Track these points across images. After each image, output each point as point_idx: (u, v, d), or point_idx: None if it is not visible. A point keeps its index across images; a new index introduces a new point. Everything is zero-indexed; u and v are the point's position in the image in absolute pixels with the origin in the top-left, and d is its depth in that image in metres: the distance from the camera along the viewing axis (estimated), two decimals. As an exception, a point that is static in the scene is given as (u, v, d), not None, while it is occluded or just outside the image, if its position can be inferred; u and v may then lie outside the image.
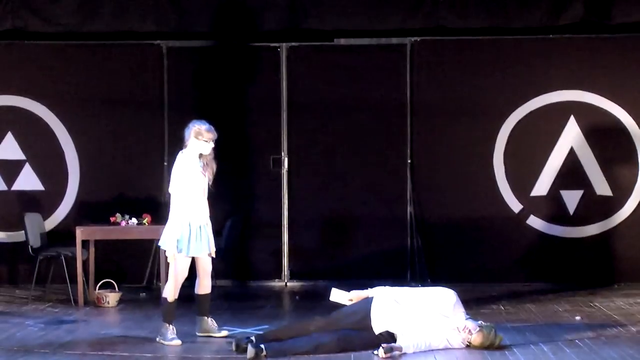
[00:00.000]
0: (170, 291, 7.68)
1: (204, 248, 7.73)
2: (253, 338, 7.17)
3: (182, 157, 7.74)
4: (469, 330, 7.17)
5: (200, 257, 7.76)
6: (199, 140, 7.70)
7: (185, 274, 7.72)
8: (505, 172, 10.85)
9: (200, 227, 7.72)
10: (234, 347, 7.17)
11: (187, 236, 7.65)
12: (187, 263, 7.72)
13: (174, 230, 7.65)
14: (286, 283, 10.99)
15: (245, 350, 6.99)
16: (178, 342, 7.58)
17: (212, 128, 7.75)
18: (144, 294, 10.21)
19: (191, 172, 7.70)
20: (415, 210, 10.90)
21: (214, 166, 7.81)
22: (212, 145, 7.74)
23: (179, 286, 7.73)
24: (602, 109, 10.77)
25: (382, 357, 6.92)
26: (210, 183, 7.82)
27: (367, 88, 10.92)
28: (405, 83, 10.91)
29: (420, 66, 10.89)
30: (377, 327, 7.16)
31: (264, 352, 7.00)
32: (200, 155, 7.76)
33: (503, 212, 10.81)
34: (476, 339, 7.16)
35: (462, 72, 10.87)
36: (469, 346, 7.20)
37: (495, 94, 10.84)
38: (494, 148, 10.85)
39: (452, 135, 10.87)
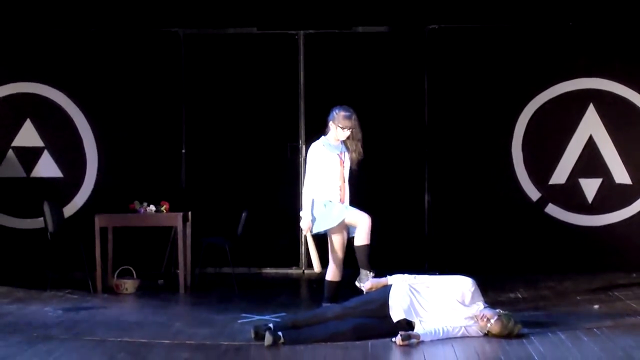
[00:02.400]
0: (329, 270, 7.84)
1: (333, 220, 7.75)
2: (271, 325, 7.19)
3: (317, 141, 7.95)
4: (487, 319, 7.16)
5: (348, 215, 7.79)
6: (335, 125, 7.88)
7: (337, 253, 7.78)
8: (524, 160, 10.82)
9: (325, 203, 7.82)
10: (252, 335, 7.19)
11: (311, 214, 7.82)
12: (336, 240, 7.79)
13: (304, 211, 7.83)
14: (304, 271, 11.01)
15: (263, 338, 7.02)
16: None
17: (352, 116, 7.88)
18: (162, 281, 10.24)
19: (321, 155, 7.85)
20: (433, 198, 10.88)
21: (360, 150, 7.94)
22: (347, 132, 7.86)
23: (338, 264, 7.81)
24: (621, 96, 10.71)
25: (400, 344, 6.92)
26: (354, 167, 7.97)
27: (384, 76, 10.91)
28: (423, 71, 10.88)
29: (438, 53, 10.86)
30: (395, 315, 7.15)
31: (282, 340, 7.02)
32: (340, 139, 7.91)
33: (521, 201, 10.78)
34: (494, 327, 7.15)
35: (480, 59, 10.83)
36: (487, 335, 7.19)
37: (513, 82, 10.80)
38: (512, 136, 10.81)
39: (469, 123, 10.84)
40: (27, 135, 10.97)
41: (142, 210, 9.76)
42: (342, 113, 7.88)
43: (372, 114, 10.86)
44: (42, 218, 10.10)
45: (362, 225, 7.78)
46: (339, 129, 7.88)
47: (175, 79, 10.99)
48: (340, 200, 7.94)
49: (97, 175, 10.97)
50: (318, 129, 10.95)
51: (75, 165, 10.99)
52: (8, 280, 10.22)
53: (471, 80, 10.84)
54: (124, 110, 10.98)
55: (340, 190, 7.95)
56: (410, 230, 10.91)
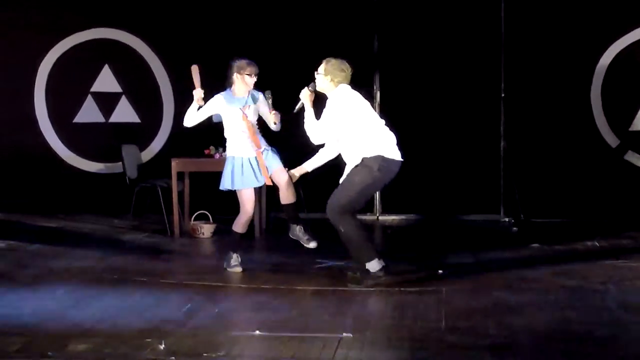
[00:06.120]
0: (236, 223, 7.83)
1: (251, 180, 7.72)
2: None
3: (218, 96, 7.86)
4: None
5: (273, 175, 7.76)
6: (242, 74, 7.73)
7: (246, 208, 7.75)
8: (603, 105, 10.61)
9: (244, 160, 7.76)
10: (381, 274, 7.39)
11: (230, 171, 7.79)
12: (245, 196, 7.75)
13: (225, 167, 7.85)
14: (378, 217, 11.01)
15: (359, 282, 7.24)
16: (239, 269, 7.81)
17: (253, 61, 7.76)
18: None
19: (225, 109, 7.81)
20: (508, 144, 10.75)
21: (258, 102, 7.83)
22: (254, 79, 7.75)
23: (244, 219, 7.79)
24: None
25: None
26: (255, 118, 7.82)
27: (460, 21, 10.74)
28: (500, 15, 10.68)
29: (516, -2, 10.67)
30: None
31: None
32: (250, 88, 7.79)
33: (600, 147, 10.60)
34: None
35: (558, 2, 10.59)
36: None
37: (593, 25, 10.55)
38: (592, 81, 10.60)
39: (547, 67, 10.64)
40: (106, 81, 11.11)
41: (218, 156, 9.84)
42: (244, 61, 7.71)
43: (447, 58, 10.75)
44: (120, 162, 10.26)
45: (283, 188, 7.70)
46: (247, 77, 7.69)
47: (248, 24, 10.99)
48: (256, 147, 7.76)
49: (174, 120, 11.08)
50: (392, 76, 10.94)
51: (152, 110, 11.12)
52: (87, 223, 10.43)
53: (550, 24, 10.61)
54: (198, 55, 10.99)
55: (252, 142, 7.76)
56: (485, 175, 10.81)
